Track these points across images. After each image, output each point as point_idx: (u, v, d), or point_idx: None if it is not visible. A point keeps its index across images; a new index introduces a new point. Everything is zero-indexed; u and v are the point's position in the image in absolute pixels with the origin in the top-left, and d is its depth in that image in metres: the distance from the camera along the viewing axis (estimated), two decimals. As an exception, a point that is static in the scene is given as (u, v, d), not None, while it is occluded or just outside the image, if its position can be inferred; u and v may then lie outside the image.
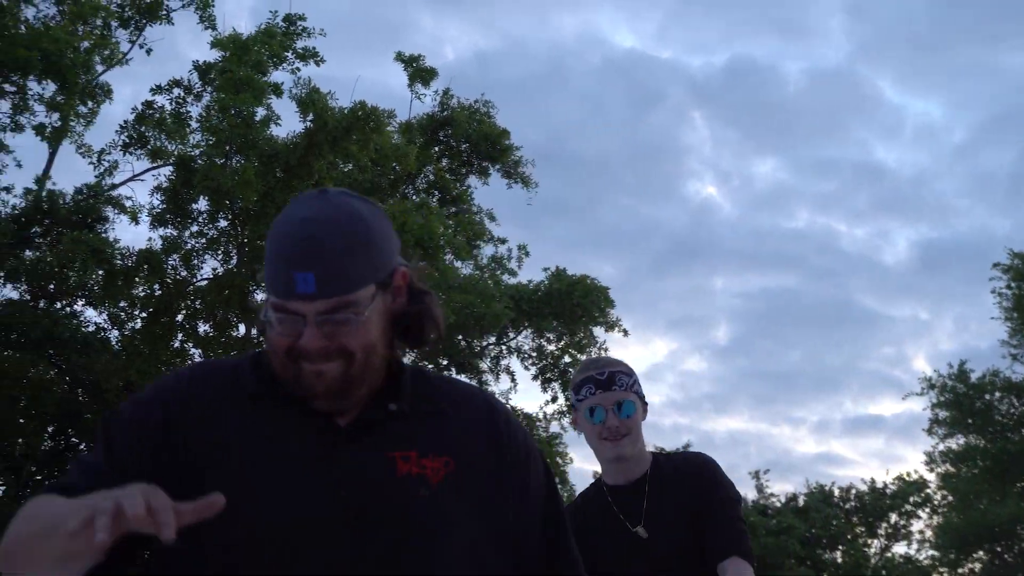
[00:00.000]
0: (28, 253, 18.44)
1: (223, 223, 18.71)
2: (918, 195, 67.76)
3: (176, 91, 18.86)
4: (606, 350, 21.39)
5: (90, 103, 19.52)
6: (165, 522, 1.77)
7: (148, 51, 20.25)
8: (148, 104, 18.93)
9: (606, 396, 4.04)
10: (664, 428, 62.55)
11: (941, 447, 32.93)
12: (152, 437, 2.19)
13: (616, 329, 20.86)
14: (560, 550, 2.38)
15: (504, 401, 21.96)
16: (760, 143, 71.78)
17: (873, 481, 37.42)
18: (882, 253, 66.63)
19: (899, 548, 37.33)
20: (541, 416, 21.76)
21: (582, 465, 55.48)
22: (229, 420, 2.21)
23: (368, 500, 2.17)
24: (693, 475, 4.07)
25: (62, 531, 1.84)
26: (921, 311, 65.22)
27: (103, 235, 17.86)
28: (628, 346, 66.07)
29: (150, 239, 18.93)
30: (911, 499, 36.74)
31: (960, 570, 33.22)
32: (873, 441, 68.50)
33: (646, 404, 4.12)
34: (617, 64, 65.44)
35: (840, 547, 35.67)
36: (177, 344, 18.82)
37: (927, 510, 36.49)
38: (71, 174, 57.35)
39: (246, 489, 2.15)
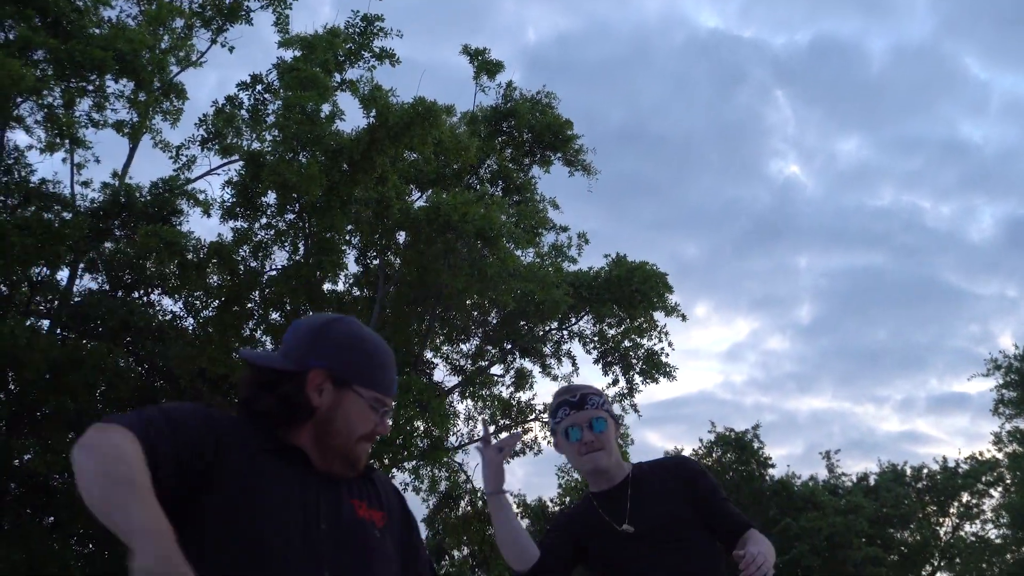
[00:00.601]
0: (107, 245, 19.19)
1: (290, 216, 19.33)
2: (1005, 171, 67.08)
3: (258, 88, 19.49)
4: (667, 334, 21.78)
5: (175, 100, 20.34)
6: None
7: (230, 49, 21.01)
8: (230, 99, 19.59)
9: (579, 415, 4.53)
10: (746, 407, 62.45)
11: (1008, 427, 33.02)
12: (212, 439, 2.76)
13: (675, 314, 21.26)
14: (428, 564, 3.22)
15: (567, 384, 22.45)
16: (844, 121, 71.37)
17: (945, 460, 37.26)
18: (968, 230, 66.09)
19: (970, 527, 37.24)
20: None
21: (644, 442, 55.66)
22: (252, 462, 2.83)
23: (342, 532, 2.91)
24: (675, 468, 4.60)
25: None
26: (1008, 288, 64.60)
27: (177, 227, 18.58)
28: (709, 326, 66.02)
29: (220, 235, 19.64)
30: (983, 478, 36.53)
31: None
32: (958, 419, 67.86)
33: (618, 422, 4.60)
34: (700, 44, 65.46)
35: (911, 526, 35.60)
36: (248, 332, 19.47)
37: (999, 489, 36.36)
38: (145, 169, 58.22)
39: (262, 516, 2.78)
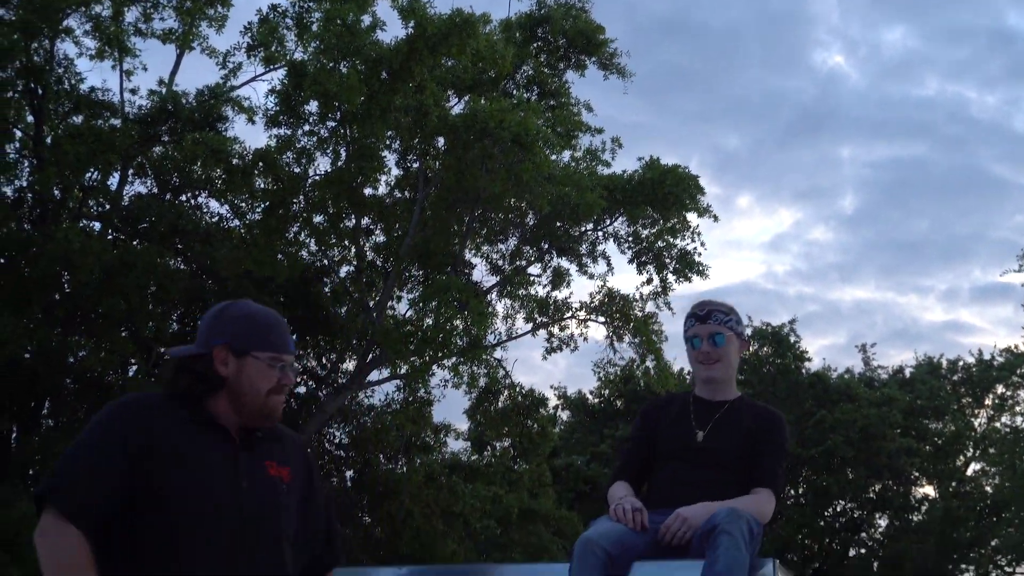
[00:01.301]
0: (155, 150, 19.79)
1: (332, 124, 19.82)
2: (1052, 60, 66.17)
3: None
4: (699, 234, 22.24)
5: (220, 7, 20.77)
6: None
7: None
8: (274, 7, 20.01)
9: (702, 328, 5.17)
10: (789, 298, 62.57)
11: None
12: (128, 459, 3.51)
13: (707, 215, 21.73)
14: (330, 516, 4.00)
15: (602, 284, 23.01)
16: (889, 10, 70.51)
17: (980, 353, 37.53)
18: (1014, 120, 65.53)
19: (1005, 419, 37.60)
20: (637, 297, 22.76)
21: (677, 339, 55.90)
22: (179, 438, 3.61)
23: (259, 488, 3.70)
24: (764, 418, 5.18)
25: None
26: (1055, 178, 64.23)
27: (223, 135, 19.14)
28: (752, 217, 65.94)
29: (268, 134, 20.12)
30: (1018, 371, 36.79)
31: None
32: (1002, 309, 67.80)
33: (743, 340, 5.24)
34: (745, -69, 64.75)
35: (945, 417, 35.95)
36: (292, 235, 20.09)
37: None
38: (191, 77, 58.26)
39: (182, 485, 3.56)
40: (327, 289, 21.73)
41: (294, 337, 21.07)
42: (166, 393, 3.71)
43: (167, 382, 3.75)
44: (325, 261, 21.32)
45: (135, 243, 18.46)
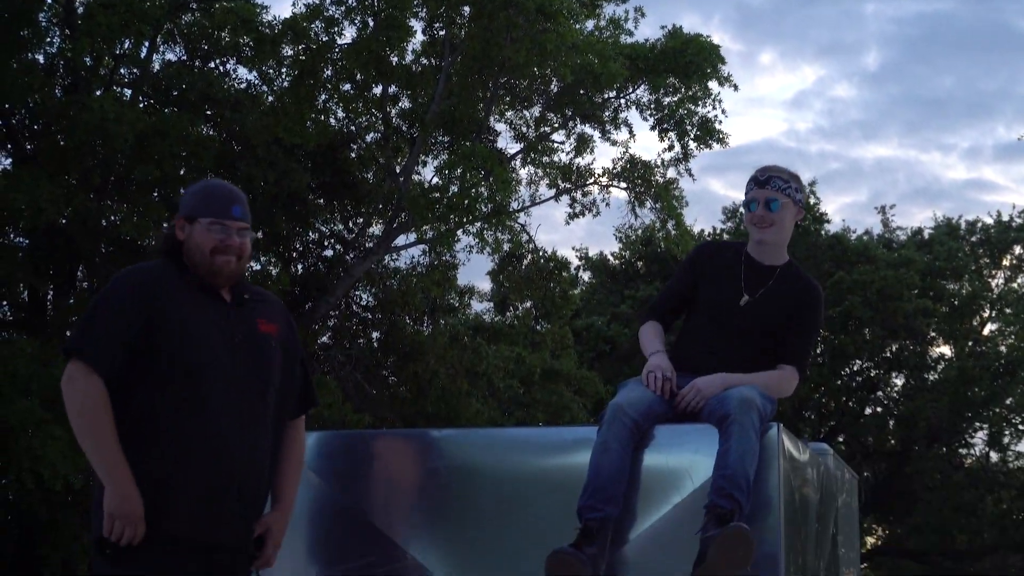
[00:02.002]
0: (184, 18, 19.97)
1: (359, -9, 19.97)
2: (1084, -88, 64.87)
3: None
4: (720, 101, 22.47)
5: None
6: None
7: None
8: None
9: (760, 192, 5.44)
10: (811, 155, 62.32)
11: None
12: (143, 312, 4.18)
13: (728, 84, 21.97)
14: (306, 390, 4.63)
15: (624, 150, 23.28)
16: None
17: (999, 214, 37.62)
18: (1042, -25, 64.63)
19: (1022, 279, 37.84)
20: (659, 163, 23.09)
21: (706, 189, 55.88)
22: (178, 300, 4.24)
23: (252, 342, 4.35)
24: (806, 292, 5.56)
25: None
26: (1082, 35, 63.39)
27: (251, 3, 19.33)
28: (775, 74, 65.44)
29: (294, 5, 20.26)
30: (1037, 232, 36.88)
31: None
32: (1025, 167, 67.45)
33: (799, 207, 5.52)
34: None
35: (962, 279, 36.15)
36: (321, 103, 20.36)
37: None
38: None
39: (184, 339, 4.20)
40: (353, 155, 22.02)
41: (320, 202, 21.68)
42: (163, 262, 4.35)
43: (155, 251, 4.71)
44: (352, 128, 21.60)
45: (166, 111, 18.74)
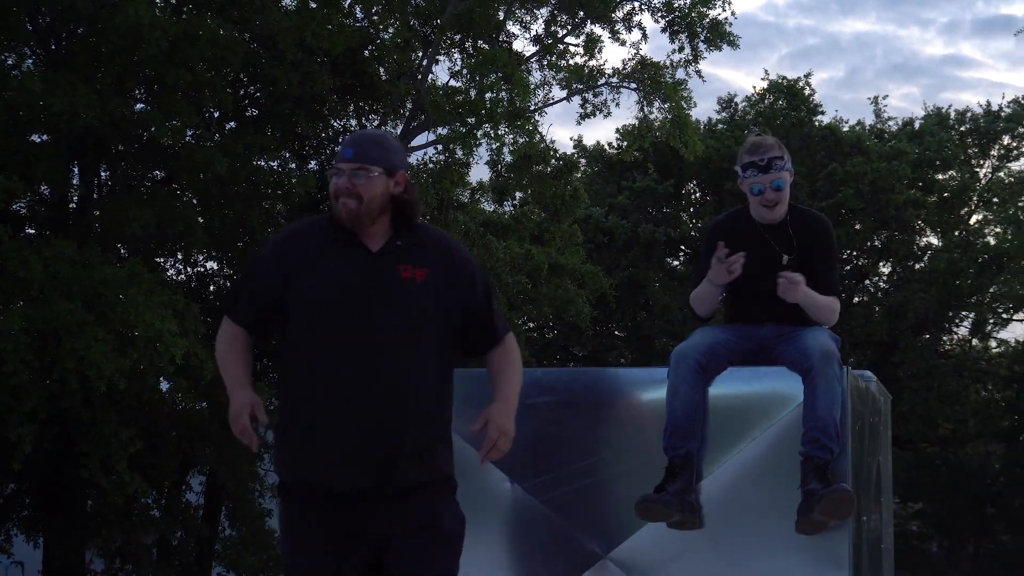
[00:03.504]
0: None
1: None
2: None
3: None
4: (730, 3, 22.88)
5: None
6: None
7: None
8: None
9: (765, 177, 5.86)
10: (788, 29, 62.15)
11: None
12: (279, 271, 4.44)
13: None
14: (487, 323, 4.58)
15: (635, 52, 23.65)
16: None
17: (989, 104, 37.89)
18: None
19: (1013, 165, 38.24)
20: (668, 63, 23.53)
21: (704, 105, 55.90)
22: (317, 255, 4.41)
23: (389, 291, 4.38)
24: (817, 229, 6.08)
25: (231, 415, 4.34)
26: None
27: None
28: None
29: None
30: (1024, 122, 37.20)
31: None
32: (1003, 43, 67.21)
33: (792, 174, 5.95)
34: None
35: (951, 170, 36.55)
36: (347, 6, 20.56)
37: None
38: None
39: (310, 296, 4.38)
40: (367, 54, 22.31)
41: (350, 108, 22.01)
42: (324, 215, 4.54)
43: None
44: (371, 30, 21.91)
45: (195, 12, 18.99)
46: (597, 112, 23.76)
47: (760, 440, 6.10)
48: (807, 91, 36.10)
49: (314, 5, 18.81)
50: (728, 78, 66.85)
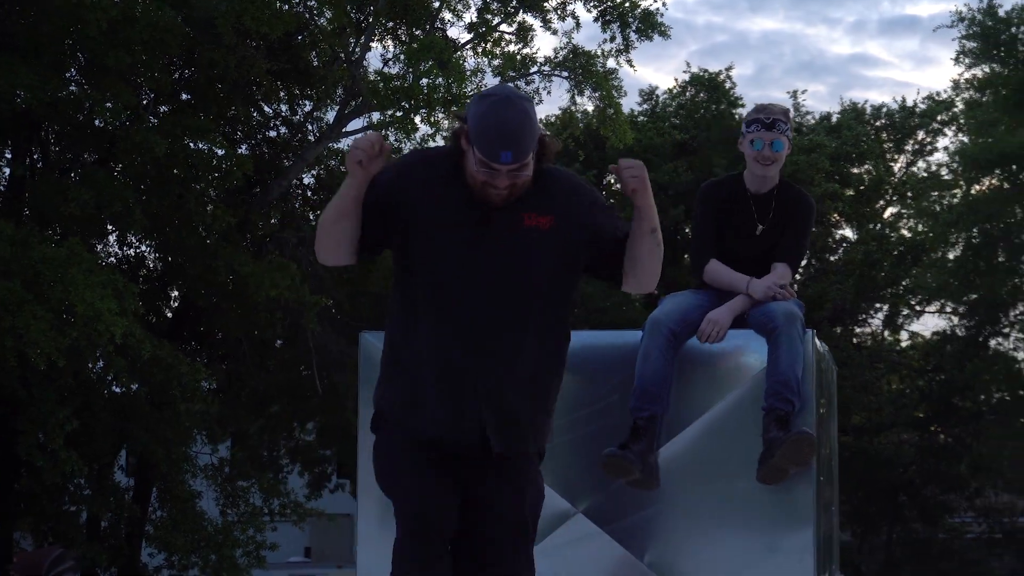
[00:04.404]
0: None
1: None
2: None
3: None
4: (661, -7, 23.13)
5: None
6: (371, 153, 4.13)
7: None
8: None
9: (767, 134, 6.08)
10: (697, 26, 62.63)
11: (967, 75, 34.61)
12: (398, 192, 4.25)
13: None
14: (616, 233, 4.38)
15: (567, 40, 23.89)
16: None
17: (904, 100, 38.48)
18: None
19: (922, 163, 39.01)
20: (599, 53, 23.80)
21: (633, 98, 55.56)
22: (435, 193, 4.24)
23: (509, 240, 4.21)
24: (801, 204, 6.41)
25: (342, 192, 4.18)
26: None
27: None
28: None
29: None
30: (938, 117, 37.85)
31: (976, 187, 35.29)
32: (908, 42, 68.34)
33: (791, 142, 6.24)
34: None
35: (868, 163, 37.07)
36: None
37: (953, 128, 37.80)
38: None
39: (432, 234, 4.22)
40: (300, 38, 22.33)
41: (282, 93, 22.11)
42: (447, 152, 4.31)
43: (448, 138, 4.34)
44: (307, 15, 21.98)
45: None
46: (534, 97, 23.95)
47: (727, 402, 6.39)
48: (728, 84, 36.37)
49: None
50: (638, 74, 67.15)
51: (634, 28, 23.16)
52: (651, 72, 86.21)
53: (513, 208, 4.20)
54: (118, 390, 20.05)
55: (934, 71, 72.62)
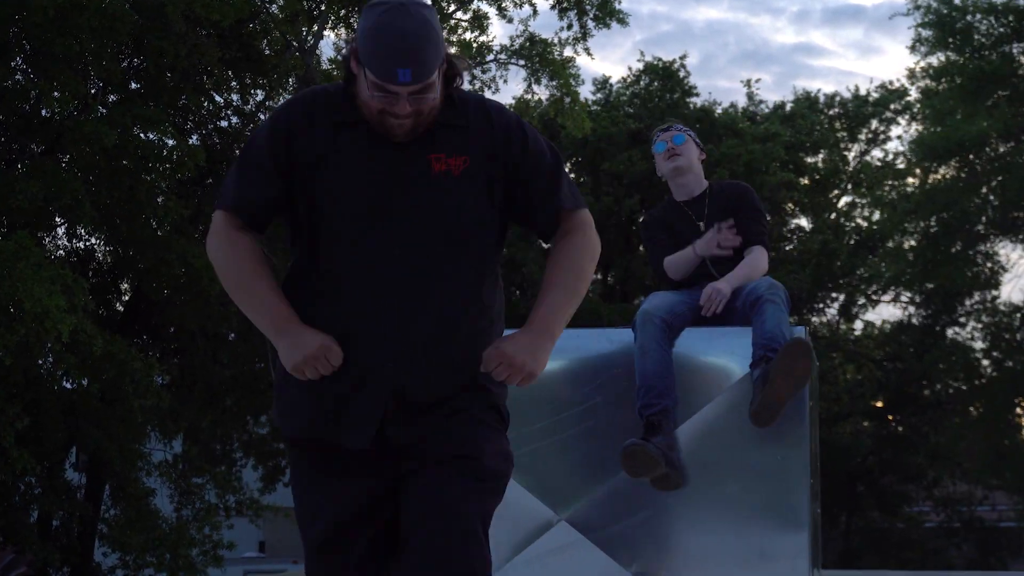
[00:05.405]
0: None
1: None
2: None
3: None
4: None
5: None
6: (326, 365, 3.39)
7: None
8: None
9: (666, 134, 6.50)
10: (641, 15, 62.64)
11: (923, 63, 34.64)
12: (279, 156, 3.50)
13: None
14: (545, 197, 3.63)
15: (523, 28, 23.61)
16: None
17: (857, 89, 38.57)
18: None
19: (878, 153, 39.20)
20: (556, 41, 23.56)
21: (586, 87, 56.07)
22: (322, 141, 3.49)
23: (412, 190, 3.47)
24: (737, 193, 6.56)
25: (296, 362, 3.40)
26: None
27: None
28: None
29: None
30: (891, 106, 37.96)
31: (933, 176, 35.39)
32: (853, 32, 68.92)
33: (701, 148, 6.55)
34: None
35: (822, 152, 37.14)
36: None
37: (907, 117, 37.91)
38: None
39: (328, 184, 3.48)
40: (251, 26, 21.98)
41: (229, 73, 21.73)
42: (335, 90, 3.59)
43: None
44: (258, 2, 21.61)
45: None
46: (486, 88, 23.75)
47: (715, 404, 6.21)
48: (682, 73, 36.28)
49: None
50: (581, 62, 67.14)
51: (591, 16, 22.92)
52: (596, 62, 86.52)
53: (419, 150, 3.48)
54: (69, 386, 19.57)
55: (879, 60, 73.31)
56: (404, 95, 3.33)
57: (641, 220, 6.98)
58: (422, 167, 3.47)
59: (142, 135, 18.97)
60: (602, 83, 37.24)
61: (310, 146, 3.49)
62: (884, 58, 72.25)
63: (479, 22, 23.63)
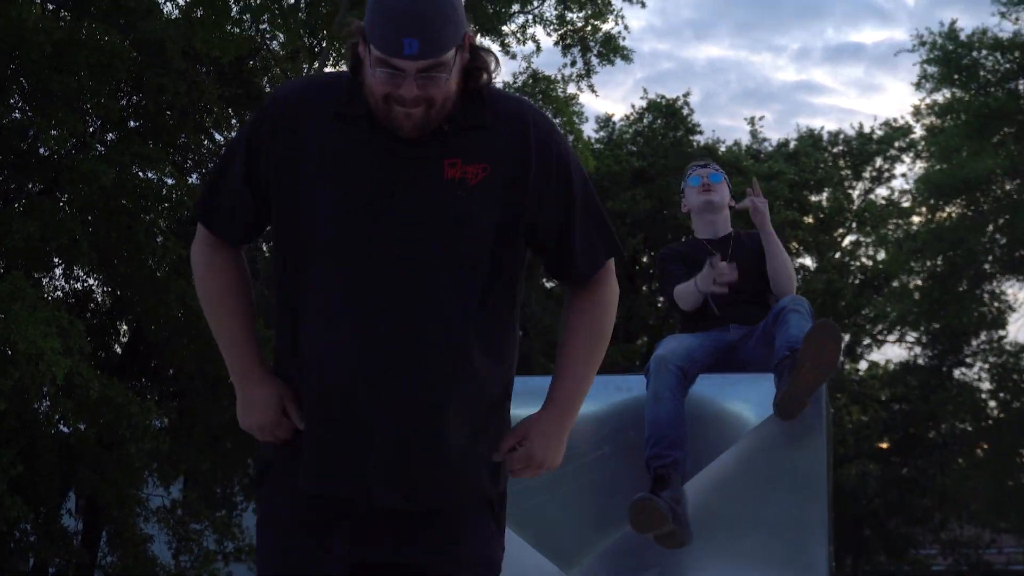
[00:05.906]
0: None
1: None
2: None
3: None
4: (623, 17, 22.90)
5: None
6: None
7: None
8: None
9: (703, 171, 6.49)
10: (643, 54, 62.79)
11: (928, 100, 34.42)
12: (254, 158, 3.03)
13: (632, 1, 22.46)
14: (565, 244, 3.12)
15: (527, 65, 23.48)
16: None
17: (861, 126, 38.49)
18: None
19: (882, 191, 38.99)
20: (559, 78, 23.42)
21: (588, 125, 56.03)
22: (316, 136, 2.98)
23: (415, 194, 2.94)
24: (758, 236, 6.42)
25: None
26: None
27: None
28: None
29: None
30: (896, 144, 37.81)
31: (939, 214, 35.13)
32: (854, 70, 69.20)
33: (732, 194, 6.54)
34: None
35: (826, 190, 36.98)
36: (235, 12, 20.02)
37: (911, 155, 37.73)
38: None
39: (323, 189, 2.96)
40: (252, 63, 21.85)
41: (234, 119, 21.56)
42: (339, 80, 3.10)
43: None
44: (259, 38, 21.45)
45: (79, 19, 18.38)
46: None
47: (730, 455, 5.93)
48: (685, 111, 36.18)
49: (201, 13, 18.19)
50: (584, 99, 67.32)
51: (595, 52, 22.79)
52: (598, 100, 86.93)
53: (431, 151, 2.96)
54: (66, 430, 19.25)
55: (880, 98, 73.55)
56: (411, 73, 2.82)
57: (658, 252, 6.89)
58: (431, 170, 2.96)
59: (141, 174, 18.76)
60: (605, 121, 37.15)
61: (297, 143, 3.00)
62: (885, 96, 72.60)
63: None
